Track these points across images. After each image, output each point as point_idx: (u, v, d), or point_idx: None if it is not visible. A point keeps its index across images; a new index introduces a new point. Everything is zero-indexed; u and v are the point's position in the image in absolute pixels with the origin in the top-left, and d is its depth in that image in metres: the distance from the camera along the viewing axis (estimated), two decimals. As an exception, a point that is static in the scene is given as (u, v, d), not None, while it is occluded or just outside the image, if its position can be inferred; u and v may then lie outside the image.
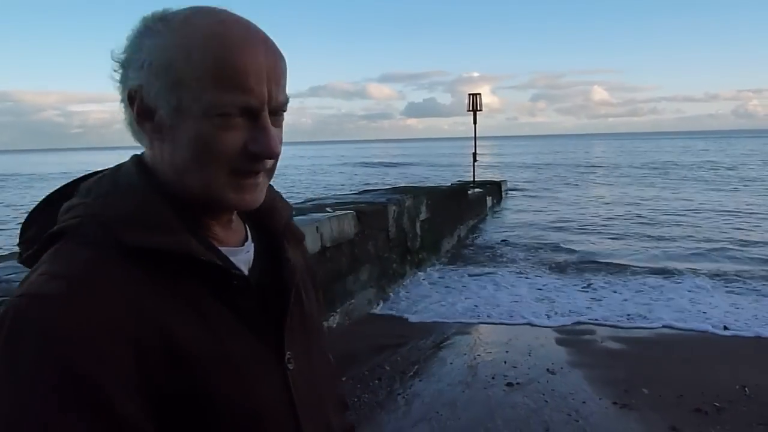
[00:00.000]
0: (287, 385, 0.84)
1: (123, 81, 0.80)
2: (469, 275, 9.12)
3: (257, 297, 0.85)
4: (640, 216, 15.85)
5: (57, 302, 0.67)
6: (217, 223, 0.86)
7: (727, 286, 8.23)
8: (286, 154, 0.84)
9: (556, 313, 7.05)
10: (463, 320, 6.87)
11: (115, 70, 0.81)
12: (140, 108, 0.79)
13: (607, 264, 9.75)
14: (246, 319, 0.81)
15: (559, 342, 6.01)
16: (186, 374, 0.72)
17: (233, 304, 0.80)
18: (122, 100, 0.82)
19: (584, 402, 4.42)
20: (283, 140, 0.85)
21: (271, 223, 0.96)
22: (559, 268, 9.55)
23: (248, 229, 0.94)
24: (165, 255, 0.75)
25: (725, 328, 6.38)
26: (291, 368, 0.85)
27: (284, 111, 0.83)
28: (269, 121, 0.80)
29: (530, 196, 22.40)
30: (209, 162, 0.78)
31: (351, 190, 15.33)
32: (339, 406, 1.05)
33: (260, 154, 0.79)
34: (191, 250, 0.77)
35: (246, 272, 0.87)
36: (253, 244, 0.92)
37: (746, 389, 4.58)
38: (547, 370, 5.09)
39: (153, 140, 0.80)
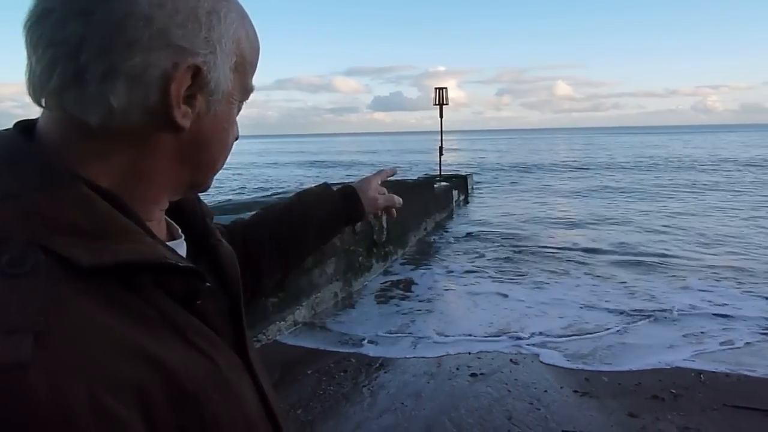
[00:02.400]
0: (260, 388, 0.77)
1: (176, 48, 0.62)
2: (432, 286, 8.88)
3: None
4: (607, 211, 16.16)
5: (32, 368, 0.47)
6: (158, 216, 0.74)
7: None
8: (252, 148, 0.82)
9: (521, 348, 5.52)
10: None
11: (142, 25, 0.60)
12: (199, 87, 0.66)
13: (584, 261, 9.72)
14: (212, 325, 0.70)
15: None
16: (191, 405, 0.60)
17: (198, 311, 0.68)
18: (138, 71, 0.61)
19: (546, 391, 4.52)
20: (250, 134, 0.80)
21: (185, 203, 0.83)
22: (526, 263, 9.63)
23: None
24: (128, 268, 0.59)
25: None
26: (255, 368, 0.79)
27: None
28: None
29: (497, 190, 22.59)
30: (227, 149, 0.76)
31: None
32: None
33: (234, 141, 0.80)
34: (167, 258, 0.63)
35: None
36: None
37: (701, 376, 4.74)
38: (511, 360, 5.18)
39: (170, 129, 0.66)
